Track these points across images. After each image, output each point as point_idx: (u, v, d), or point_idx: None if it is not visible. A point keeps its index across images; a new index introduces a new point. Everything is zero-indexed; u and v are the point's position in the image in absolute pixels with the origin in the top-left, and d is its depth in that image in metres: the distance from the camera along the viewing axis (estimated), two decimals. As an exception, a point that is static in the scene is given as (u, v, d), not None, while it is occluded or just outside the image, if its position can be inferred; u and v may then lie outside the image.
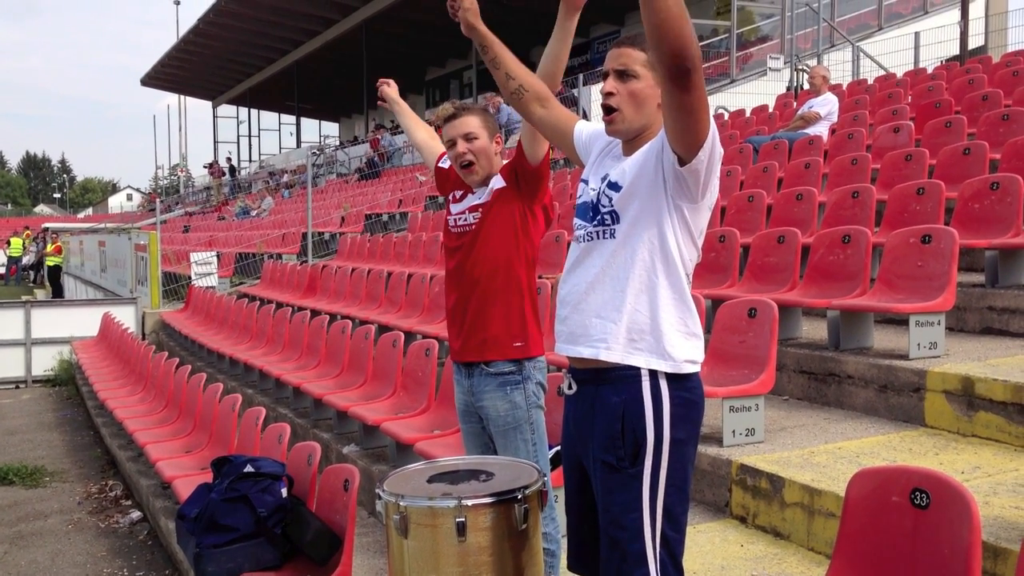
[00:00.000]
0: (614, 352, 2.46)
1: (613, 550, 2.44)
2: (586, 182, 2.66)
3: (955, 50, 16.66)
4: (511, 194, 3.40)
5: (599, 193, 2.56)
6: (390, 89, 4.15)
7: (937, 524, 2.45)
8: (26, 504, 7.73)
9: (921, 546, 2.49)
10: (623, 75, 2.51)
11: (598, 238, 2.53)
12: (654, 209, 2.44)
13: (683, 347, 2.46)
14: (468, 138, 3.41)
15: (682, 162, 2.35)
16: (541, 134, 3.08)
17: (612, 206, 2.51)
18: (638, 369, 2.44)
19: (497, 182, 3.43)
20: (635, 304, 2.46)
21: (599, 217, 2.53)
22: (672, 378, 2.45)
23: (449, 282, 3.56)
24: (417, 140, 4.05)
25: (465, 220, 3.47)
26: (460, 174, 3.52)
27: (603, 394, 2.48)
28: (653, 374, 2.44)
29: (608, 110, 2.54)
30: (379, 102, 4.25)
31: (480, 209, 3.43)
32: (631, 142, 2.57)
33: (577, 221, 2.64)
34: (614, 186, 2.52)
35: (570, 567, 2.72)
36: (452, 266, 3.52)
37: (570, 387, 2.60)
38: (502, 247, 3.40)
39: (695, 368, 2.49)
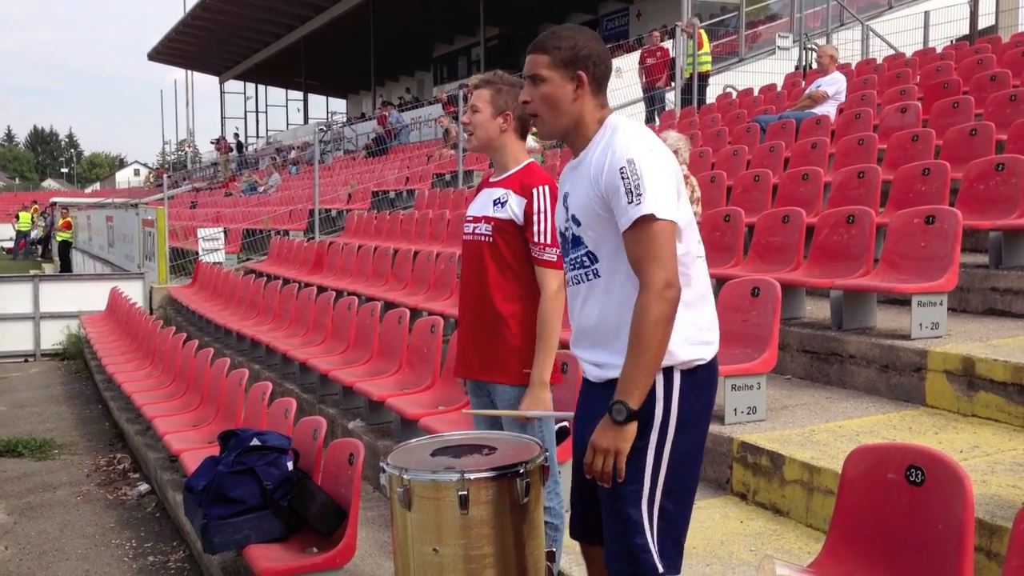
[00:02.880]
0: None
1: (614, 520, 2.49)
2: (564, 197, 2.68)
3: (965, 29, 16.56)
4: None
5: (567, 223, 2.61)
6: None
7: (931, 501, 2.49)
8: (35, 476, 7.81)
9: (916, 522, 2.53)
10: (534, 80, 2.58)
11: (585, 280, 2.58)
12: (620, 239, 2.46)
13: (692, 351, 2.50)
14: (473, 109, 3.49)
15: None
16: None
17: (584, 245, 2.55)
18: None
19: (514, 206, 3.40)
20: None
21: (578, 259, 2.58)
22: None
23: (464, 274, 3.60)
24: None
25: (478, 229, 3.48)
26: None
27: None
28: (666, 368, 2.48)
29: (532, 116, 2.63)
30: None
31: (492, 223, 3.43)
32: (573, 141, 2.61)
33: (560, 248, 2.71)
34: (575, 220, 2.57)
35: (573, 535, 2.77)
36: (466, 268, 3.56)
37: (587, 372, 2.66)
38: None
39: (704, 362, 2.53)
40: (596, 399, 2.59)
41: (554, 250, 3.30)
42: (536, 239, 3.36)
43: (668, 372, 2.47)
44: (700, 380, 2.52)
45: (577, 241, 2.57)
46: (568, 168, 2.68)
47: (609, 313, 2.52)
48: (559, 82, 2.54)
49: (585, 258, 2.55)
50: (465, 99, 17.43)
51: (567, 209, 2.62)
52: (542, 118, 2.59)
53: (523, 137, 3.56)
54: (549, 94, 2.55)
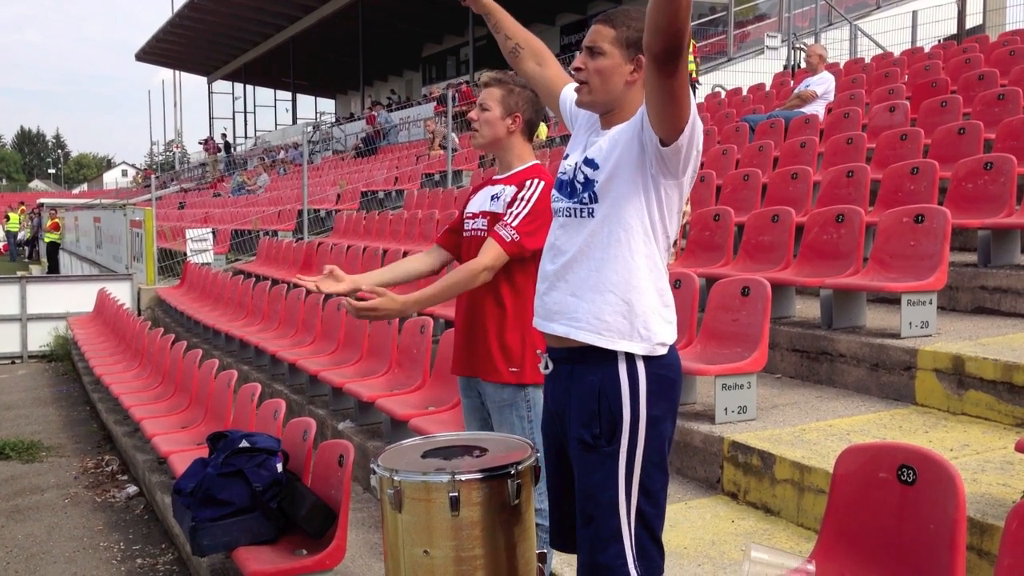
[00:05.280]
0: (587, 333, 2.47)
1: (588, 526, 2.47)
2: (568, 157, 2.67)
3: (953, 29, 16.63)
4: None
5: (575, 169, 2.57)
6: None
7: (923, 500, 2.49)
8: (23, 478, 7.76)
9: (907, 521, 2.53)
10: (592, 51, 2.53)
11: (577, 216, 2.54)
12: (633, 189, 2.45)
13: (657, 329, 2.47)
14: (482, 107, 3.46)
15: (664, 143, 2.36)
16: (536, 91, 3.13)
17: (591, 186, 2.51)
18: (613, 351, 2.46)
19: (507, 197, 3.38)
20: (610, 285, 2.46)
21: (578, 196, 2.54)
22: (647, 357, 2.47)
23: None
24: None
25: (475, 225, 3.47)
26: None
27: (579, 373, 2.50)
28: (628, 355, 2.46)
29: (579, 83, 2.58)
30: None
31: (488, 217, 3.42)
32: (608, 117, 2.58)
33: (555, 194, 2.65)
34: (590, 163, 2.53)
35: (552, 543, 2.75)
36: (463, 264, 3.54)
37: (546, 367, 2.62)
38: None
39: (665, 350, 2.50)
40: (554, 379, 2.59)
41: (513, 232, 3.24)
42: (506, 218, 3.32)
43: (632, 370, 2.45)
44: (664, 376, 2.48)
45: (578, 182, 2.54)
46: (586, 130, 2.66)
47: (590, 257, 2.50)
48: (618, 59, 2.50)
49: (586, 196, 2.52)
50: (454, 99, 17.45)
51: (582, 151, 2.59)
52: (591, 87, 2.54)
53: (530, 139, 3.54)
54: (605, 68, 2.51)
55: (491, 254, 3.26)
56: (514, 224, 3.27)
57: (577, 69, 2.56)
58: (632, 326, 2.45)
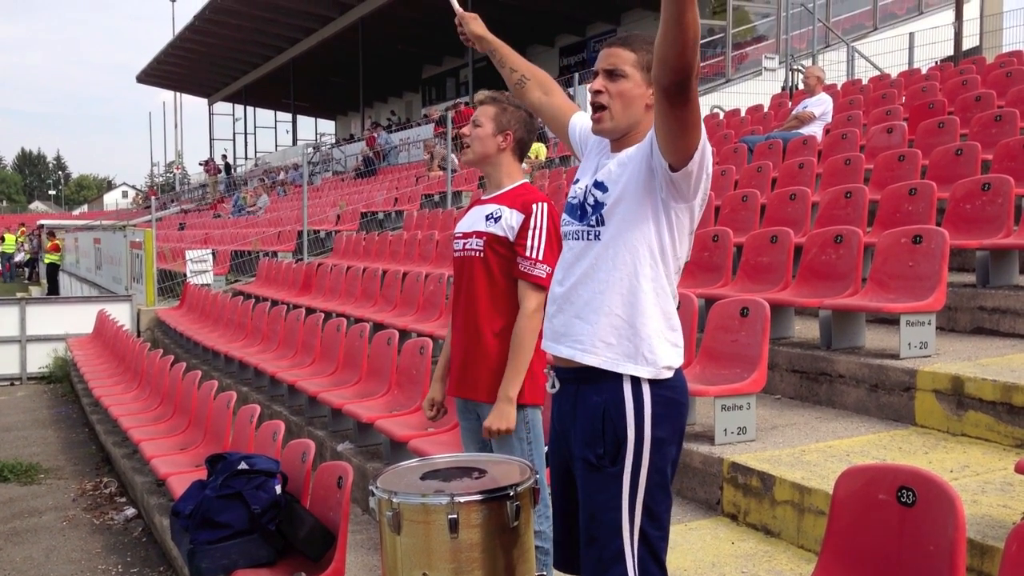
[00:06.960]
0: (591, 355, 2.48)
1: (591, 547, 2.47)
2: (578, 181, 2.68)
3: (950, 51, 16.71)
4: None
5: (586, 192, 2.58)
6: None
7: (923, 522, 2.48)
8: (21, 501, 7.74)
9: (907, 543, 2.52)
10: (612, 74, 2.52)
11: (584, 239, 2.55)
12: (641, 213, 2.45)
13: (662, 352, 2.48)
14: (475, 124, 3.49)
15: (674, 168, 2.36)
16: (543, 120, 3.14)
17: (600, 209, 2.51)
18: (619, 374, 2.46)
19: (509, 221, 3.40)
20: (615, 308, 2.47)
21: (586, 219, 2.55)
22: (653, 380, 2.47)
23: (454, 291, 3.58)
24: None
25: (470, 244, 3.47)
26: None
27: (584, 393, 2.51)
28: (634, 378, 2.46)
29: (596, 108, 2.55)
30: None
31: (484, 237, 3.42)
32: (620, 140, 2.58)
33: (565, 217, 2.65)
34: (600, 185, 2.53)
35: (556, 565, 2.74)
36: (456, 284, 3.55)
37: (553, 386, 2.63)
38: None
39: (671, 373, 2.50)
40: (560, 399, 2.59)
41: (544, 267, 3.27)
42: (528, 253, 3.33)
43: (637, 391, 2.45)
44: (670, 399, 2.49)
45: (588, 206, 2.54)
46: (596, 154, 2.66)
47: (595, 280, 2.50)
48: (639, 82, 2.50)
49: (594, 219, 2.52)
50: (453, 121, 17.50)
51: (592, 175, 2.59)
52: (611, 113, 2.52)
53: (520, 159, 3.55)
54: (628, 91, 2.50)
55: (533, 296, 3.28)
56: (539, 257, 3.30)
57: (596, 92, 2.53)
58: (637, 349, 2.46)
